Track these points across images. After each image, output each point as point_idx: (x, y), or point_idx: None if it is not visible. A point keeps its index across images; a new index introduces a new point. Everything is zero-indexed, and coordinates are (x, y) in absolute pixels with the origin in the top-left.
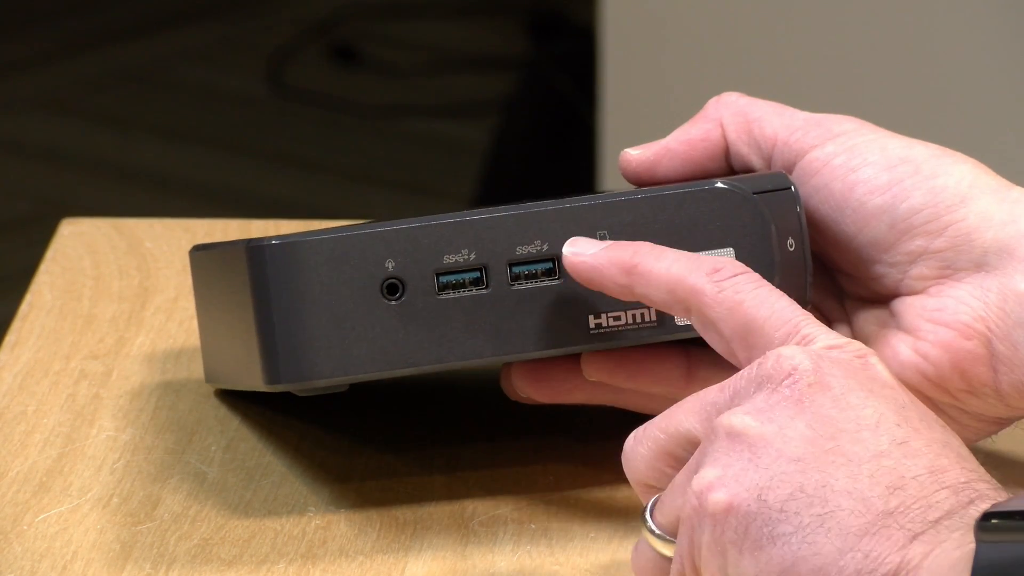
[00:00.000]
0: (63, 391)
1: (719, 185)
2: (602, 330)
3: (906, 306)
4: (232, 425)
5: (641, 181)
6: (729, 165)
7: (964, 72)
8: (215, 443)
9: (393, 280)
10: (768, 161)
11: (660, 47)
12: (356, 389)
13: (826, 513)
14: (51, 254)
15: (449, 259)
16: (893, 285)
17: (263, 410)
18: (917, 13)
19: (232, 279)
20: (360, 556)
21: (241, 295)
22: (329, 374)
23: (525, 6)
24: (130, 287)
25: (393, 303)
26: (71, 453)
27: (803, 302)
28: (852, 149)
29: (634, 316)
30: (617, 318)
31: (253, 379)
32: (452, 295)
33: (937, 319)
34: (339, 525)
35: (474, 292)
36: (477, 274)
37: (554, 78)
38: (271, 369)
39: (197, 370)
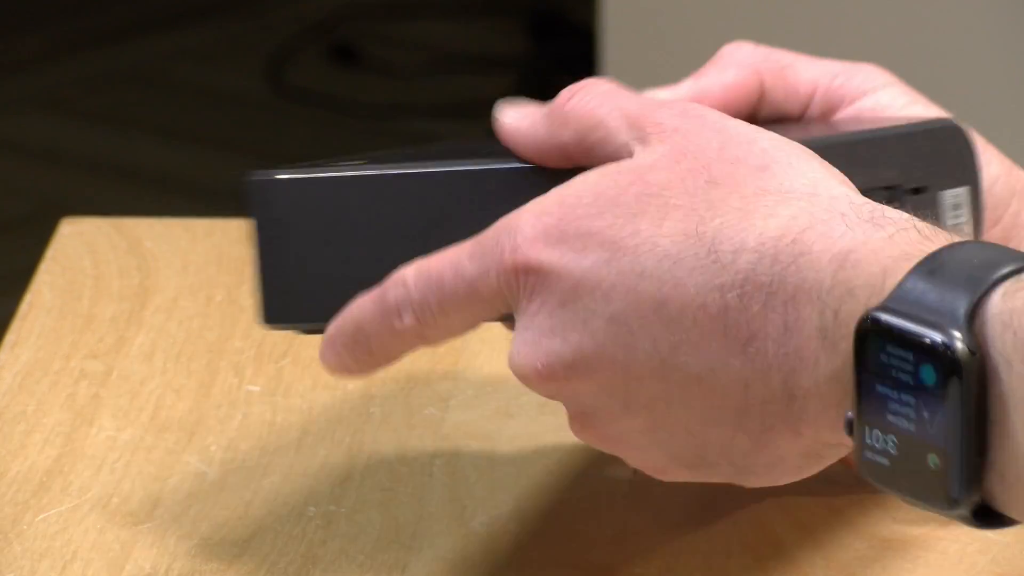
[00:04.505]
0: (63, 391)
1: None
2: None
3: None
4: (232, 425)
5: None
6: (754, 114)
7: (968, 73)
8: (215, 443)
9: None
10: (804, 109)
11: (660, 47)
12: (357, 390)
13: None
14: (51, 254)
15: None
16: None
17: (264, 409)
18: (919, 14)
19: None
20: (360, 556)
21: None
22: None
23: (525, 6)
24: (130, 287)
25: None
26: (71, 453)
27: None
28: (904, 98)
29: None
30: None
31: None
32: None
33: None
34: (339, 525)
35: None
36: None
37: (554, 78)
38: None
39: (197, 370)
